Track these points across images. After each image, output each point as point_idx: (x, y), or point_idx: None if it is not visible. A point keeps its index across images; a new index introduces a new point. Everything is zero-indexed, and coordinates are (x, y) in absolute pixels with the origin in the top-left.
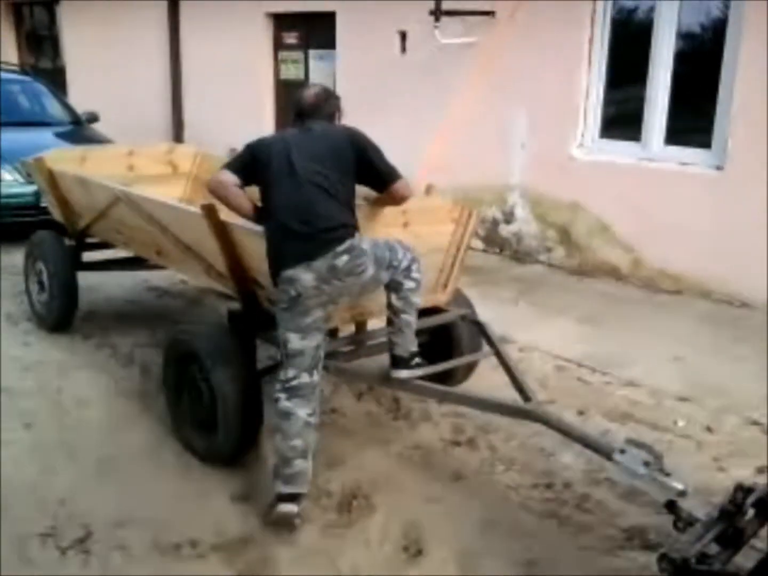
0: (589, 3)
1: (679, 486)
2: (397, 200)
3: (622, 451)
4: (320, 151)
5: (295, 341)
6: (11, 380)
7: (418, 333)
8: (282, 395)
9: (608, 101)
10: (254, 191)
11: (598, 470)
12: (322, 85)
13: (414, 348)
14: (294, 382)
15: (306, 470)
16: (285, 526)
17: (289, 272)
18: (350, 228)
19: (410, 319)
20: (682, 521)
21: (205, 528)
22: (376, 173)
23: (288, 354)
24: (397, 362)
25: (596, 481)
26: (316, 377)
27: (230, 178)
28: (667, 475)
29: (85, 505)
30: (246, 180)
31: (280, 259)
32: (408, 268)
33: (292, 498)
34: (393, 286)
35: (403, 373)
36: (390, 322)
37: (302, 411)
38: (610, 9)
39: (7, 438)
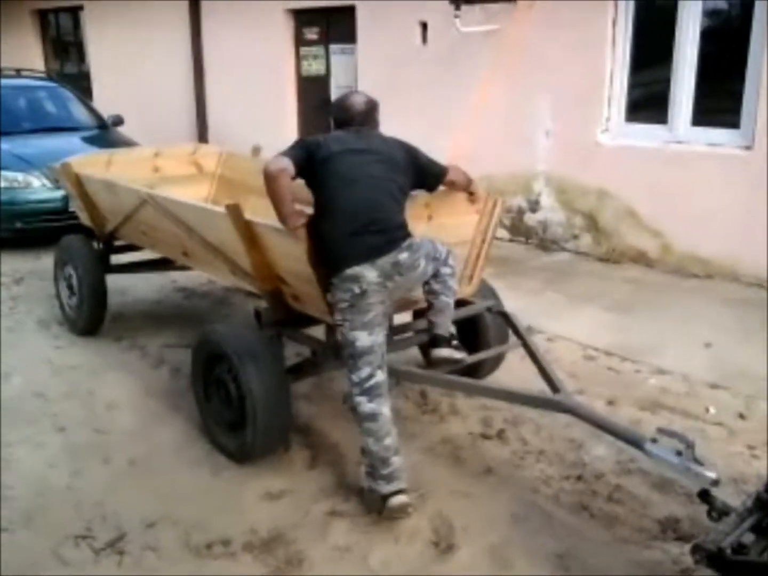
0: None
1: (713, 475)
2: (462, 184)
3: (654, 441)
4: (382, 156)
5: (363, 339)
6: (43, 384)
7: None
8: (363, 398)
9: (633, 84)
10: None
11: (629, 460)
12: (365, 93)
13: (453, 330)
14: (371, 382)
15: (402, 465)
16: (400, 515)
17: (354, 270)
18: (407, 228)
19: (449, 300)
20: (716, 511)
21: (237, 527)
22: (429, 173)
23: (357, 353)
24: (438, 341)
25: (628, 472)
26: (386, 373)
27: (290, 168)
28: (700, 464)
29: (118, 506)
30: (297, 173)
31: (342, 257)
32: (446, 259)
33: (397, 494)
34: (433, 275)
35: (444, 352)
36: (430, 305)
37: (385, 409)
38: None
39: (41, 441)
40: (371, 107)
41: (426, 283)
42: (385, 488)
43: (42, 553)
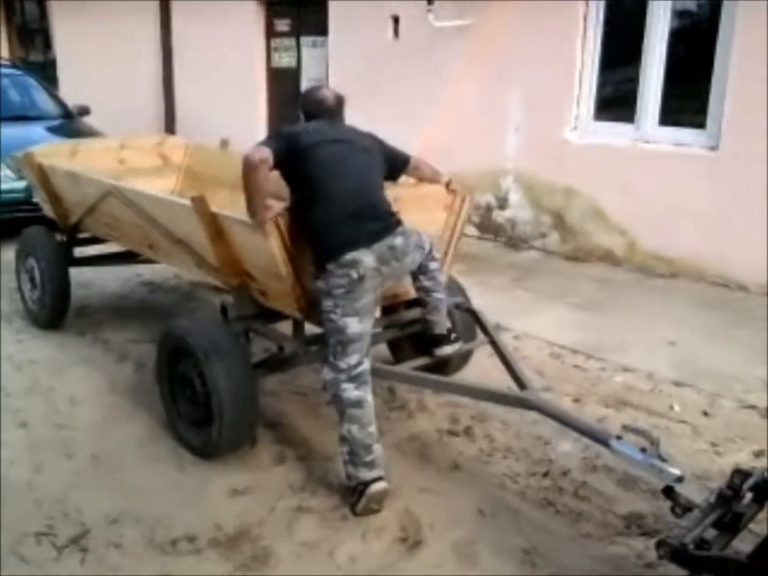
0: None
1: (677, 472)
2: (427, 174)
3: (619, 438)
4: (359, 145)
5: (354, 325)
6: (5, 379)
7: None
8: (349, 385)
9: (602, 83)
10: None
11: (595, 457)
12: (331, 88)
13: (449, 324)
14: (359, 369)
15: (381, 454)
16: (378, 502)
17: (352, 255)
18: (397, 214)
19: (441, 296)
20: (680, 507)
21: (202, 523)
22: (396, 161)
23: (347, 340)
24: (439, 340)
25: (593, 468)
26: (370, 362)
27: (270, 159)
28: (664, 460)
29: (81, 503)
30: (276, 165)
31: (340, 242)
32: (430, 251)
33: (378, 481)
34: (421, 269)
35: (448, 350)
36: (424, 303)
37: (370, 396)
38: None
39: (2, 437)
40: (341, 102)
41: (415, 279)
42: (366, 474)
43: (1, 550)
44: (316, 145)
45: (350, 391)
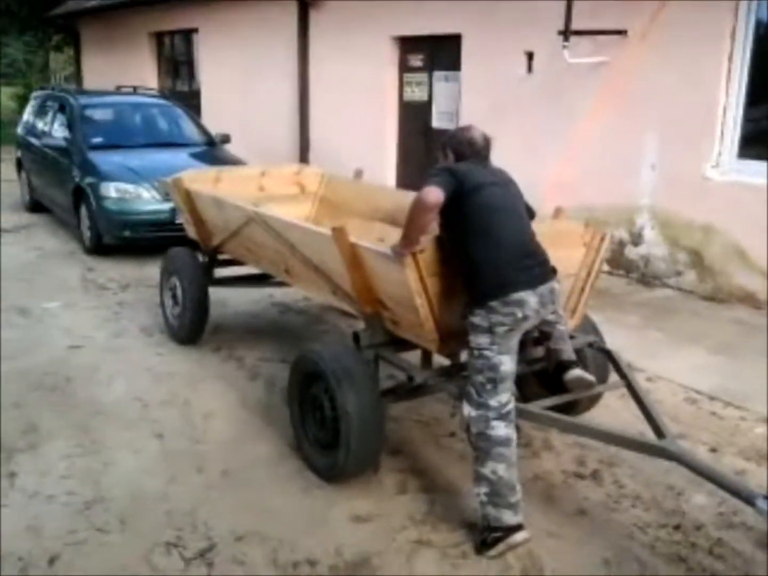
0: (728, 18)
1: None
2: None
3: (767, 498)
4: (512, 190)
5: (508, 363)
6: (144, 390)
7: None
8: (500, 423)
9: (747, 119)
10: None
11: (732, 513)
12: (478, 127)
13: (574, 356)
14: (509, 407)
15: (521, 496)
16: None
17: (520, 294)
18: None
19: (564, 329)
20: None
21: (324, 547)
22: (529, 210)
23: (500, 378)
24: (566, 366)
25: (730, 525)
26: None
27: (442, 201)
28: None
29: (209, 517)
30: (446, 203)
31: (509, 282)
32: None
33: (521, 528)
34: None
35: (577, 372)
36: (548, 335)
37: (515, 436)
38: (752, 23)
39: (139, 446)
40: (489, 143)
41: None
42: (511, 519)
43: (133, 557)
44: (481, 186)
45: (500, 428)
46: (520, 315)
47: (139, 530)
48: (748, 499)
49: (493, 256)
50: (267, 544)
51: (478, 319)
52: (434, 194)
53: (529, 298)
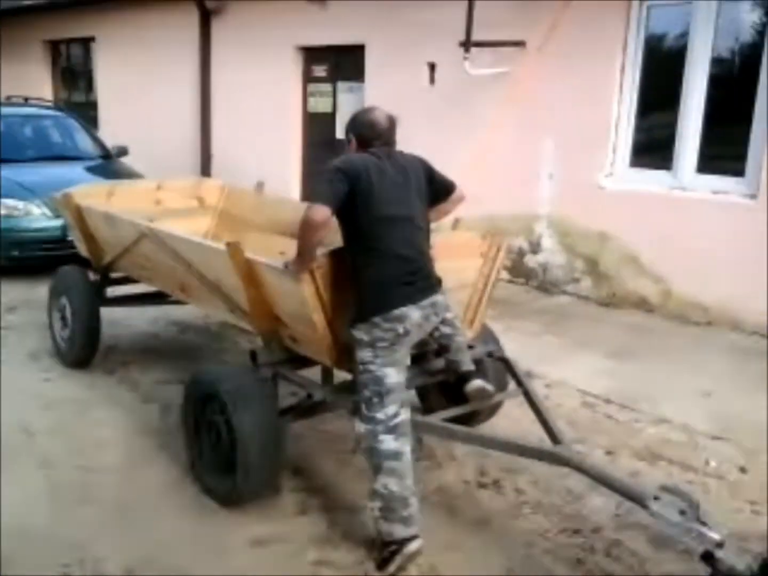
0: (620, 31)
1: (717, 537)
2: (455, 204)
3: (657, 498)
4: (414, 185)
5: (393, 376)
6: (30, 418)
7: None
8: (388, 436)
9: (639, 129)
10: None
11: (627, 513)
12: (381, 108)
13: (473, 368)
14: (397, 420)
15: (417, 508)
16: (413, 561)
17: (401, 310)
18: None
19: (463, 339)
20: (720, 574)
21: (223, 573)
22: (442, 187)
23: (386, 391)
24: (468, 376)
25: (627, 526)
26: (407, 413)
27: (330, 218)
28: (704, 524)
29: (101, 551)
30: (336, 211)
31: (390, 298)
32: (447, 305)
33: (415, 538)
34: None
35: (478, 383)
36: (447, 348)
37: (408, 448)
38: (642, 36)
39: (23, 479)
40: (393, 124)
41: (435, 329)
42: (403, 532)
43: None
44: (374, 190)
45: (389, 442)
46: (401, 330)
47: (24, 569)
48: (640, 501)
49: (378, 273)
50: (163, 574)
51: (360, 333)
52: (320, 213)
53: (412, 313)
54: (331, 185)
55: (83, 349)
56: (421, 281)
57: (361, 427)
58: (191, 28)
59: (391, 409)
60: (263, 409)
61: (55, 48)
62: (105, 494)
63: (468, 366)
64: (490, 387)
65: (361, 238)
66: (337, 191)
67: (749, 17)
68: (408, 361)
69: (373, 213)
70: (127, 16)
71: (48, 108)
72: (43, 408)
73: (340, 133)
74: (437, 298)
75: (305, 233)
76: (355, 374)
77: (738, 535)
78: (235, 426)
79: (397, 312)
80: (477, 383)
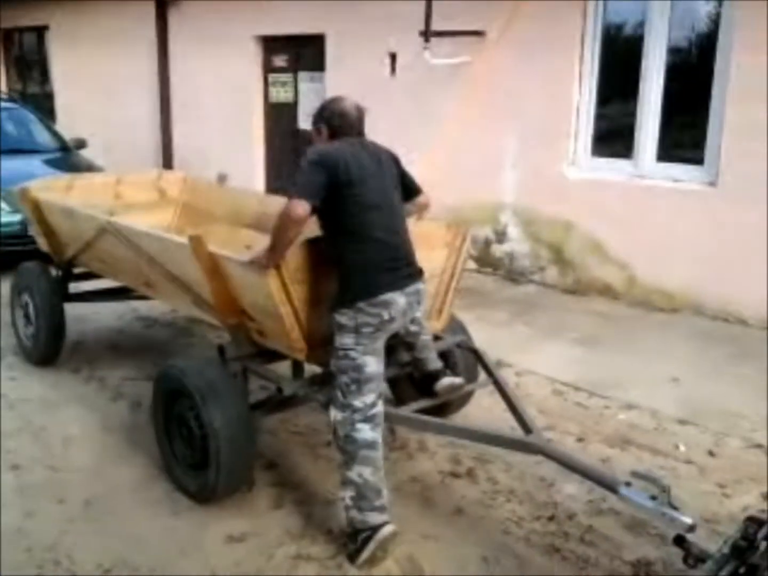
0: (578, 21)
1: (688, 520)
2: (420, 209)
3: (628, 484)
4: (389, 175)
5: (372, 365)
6: None
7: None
8: (365, 425)
9: (599, 118)
10: None
11: (601, 499)
12: (350, 97)
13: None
14: (375, 410)
15: (388, 501)
16: (385, 548)
17: (387, 296)
18: None
19: (429, 338)
20: (693, 557)
21: (198, 572)
22: (408, 187)
23: (364, 379)
24: (436, 375)
25: (600, 512)
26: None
27: (307, 215)
28: (676, 508)
29: (73, 550)
30: (316, 206)
31: (377, 283)
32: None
33: (386, 525)
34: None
35: (447, 381)
36: (412, 346)
37: (380, 439)
38: (600, 26)
39: None
40: (362, 114)
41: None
42: (377, 518)
43: None
44: (354, 181)
45: (366, 431)
46: (386, 316)
47: None
48: (611, 487)
49: (363, 257)
50: (137, 573)
51: (344, 318)
52: (301, 208)
53: (398, 298)
54: (310, 178)
55: (48, 347)
56: (405, 268)
57: (337, 414)
58: (148, 18)
59: (369, 398)
60: (233, 403)
61: (8, 37)
62: (76, 493)
63: (435, 364)
64: (459, 380)
65: (343, 227)
66: (316, 185)
67: (704, 7)
68: (383, 352)
69: (355, 201)
70: (81, 4)
71: (2, 100)
72: (9, 408)
73: (303, 123)
74: (420, 286)
75: (283, 228)
76: (333, 360)
77: (709, 518)
78: (205, 421)
79: (383, 297)
80: (446, 382)
